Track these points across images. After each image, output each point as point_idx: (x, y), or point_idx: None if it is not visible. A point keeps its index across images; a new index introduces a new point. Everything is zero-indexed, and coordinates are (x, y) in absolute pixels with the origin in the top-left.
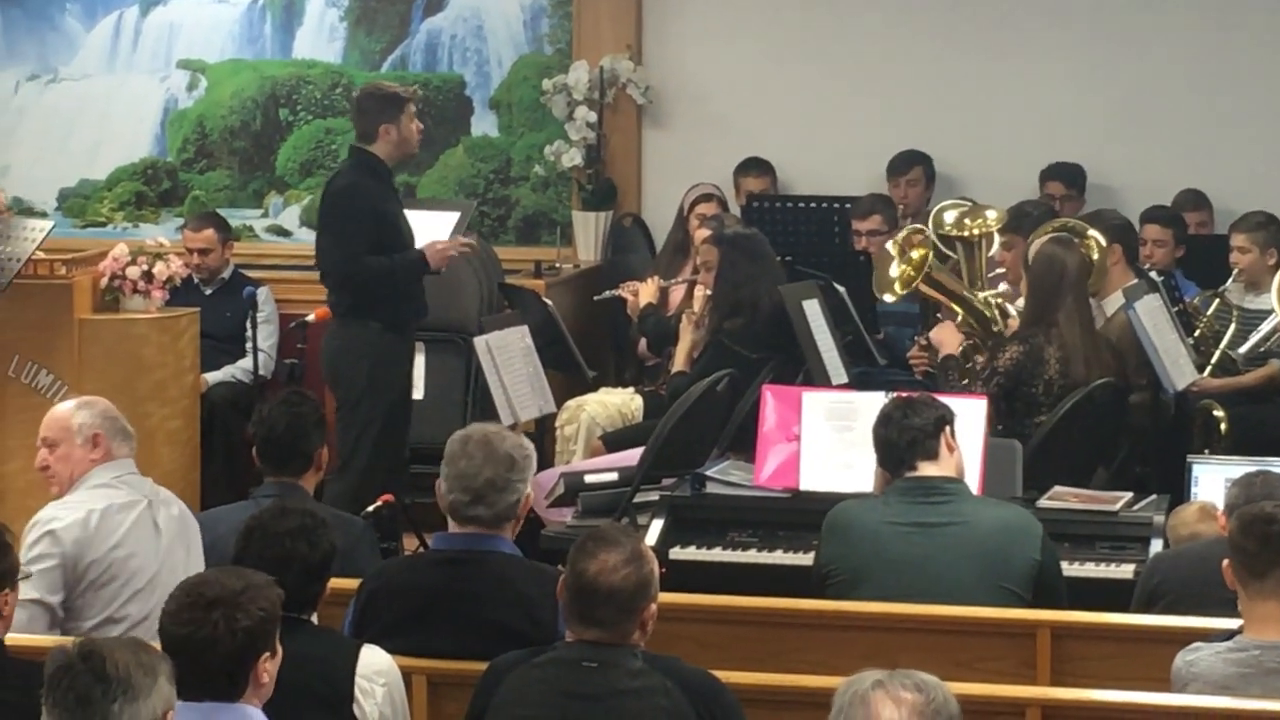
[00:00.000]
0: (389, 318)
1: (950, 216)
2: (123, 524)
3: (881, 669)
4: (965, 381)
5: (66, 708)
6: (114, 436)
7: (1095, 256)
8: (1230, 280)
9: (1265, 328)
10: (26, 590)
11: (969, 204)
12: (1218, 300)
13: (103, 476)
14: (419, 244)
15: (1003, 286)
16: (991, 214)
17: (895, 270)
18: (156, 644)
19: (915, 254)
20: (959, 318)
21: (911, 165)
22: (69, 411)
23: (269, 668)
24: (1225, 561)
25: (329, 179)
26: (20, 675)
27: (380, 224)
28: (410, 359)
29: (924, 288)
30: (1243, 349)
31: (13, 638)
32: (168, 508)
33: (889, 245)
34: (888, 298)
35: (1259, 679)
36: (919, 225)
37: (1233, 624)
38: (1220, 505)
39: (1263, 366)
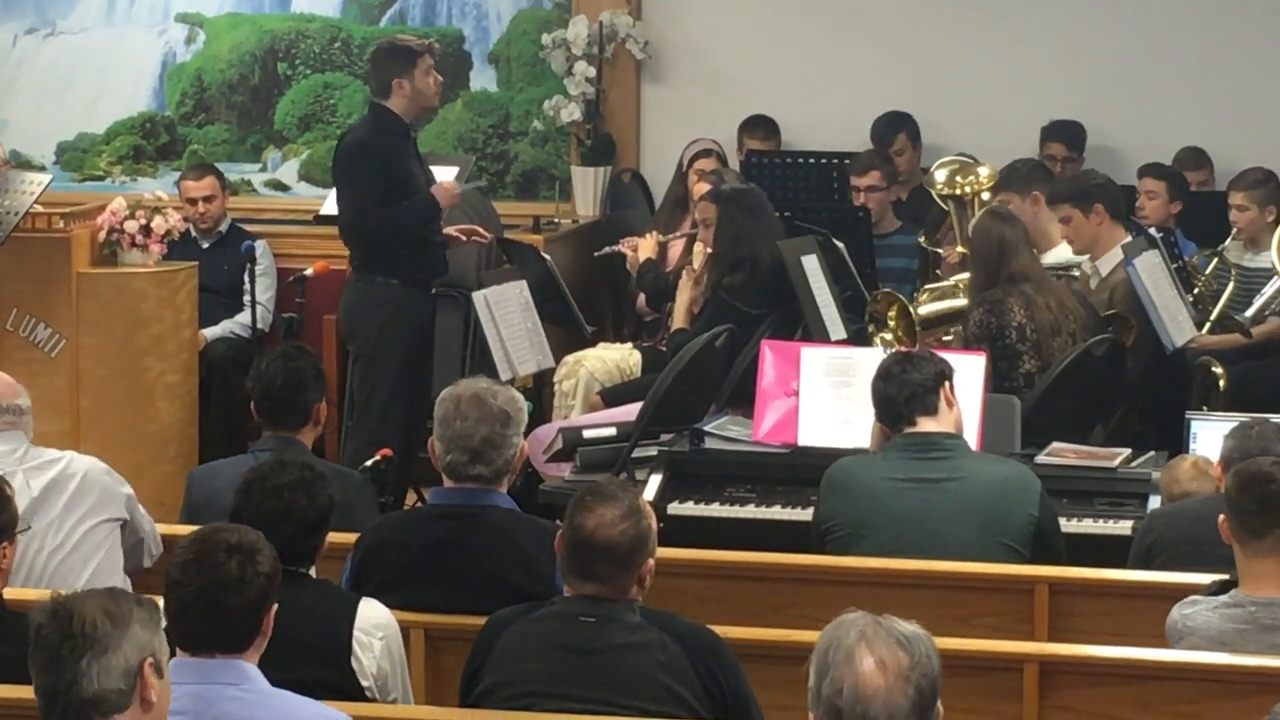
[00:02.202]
0: (406, 274)
1: (941, 175)
2: None
3: (861, 612)
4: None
5: (42, 667)
6: None
7: (983, 190)
8: (1229, 239)
9: (1269, 291)
10: None
11: (961, 161)
12: (1216, 259)
13: None
14: None
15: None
16: (983, 171)
17: (890, 339)
18: None
19: (891, 316)
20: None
21: (894, 133)
22: None
23: (271, 620)
24: (1221, 517)
25: (341, 135)
26: (19, 629)
27: (391, 178)
28: (429, 315)
29: (925, 330)
30: (1248, 313)
31: (11, 591)
32: (42, 474)
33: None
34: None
35: (1254, 635)
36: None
37: (1223, 575)
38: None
39: (1262, 324)
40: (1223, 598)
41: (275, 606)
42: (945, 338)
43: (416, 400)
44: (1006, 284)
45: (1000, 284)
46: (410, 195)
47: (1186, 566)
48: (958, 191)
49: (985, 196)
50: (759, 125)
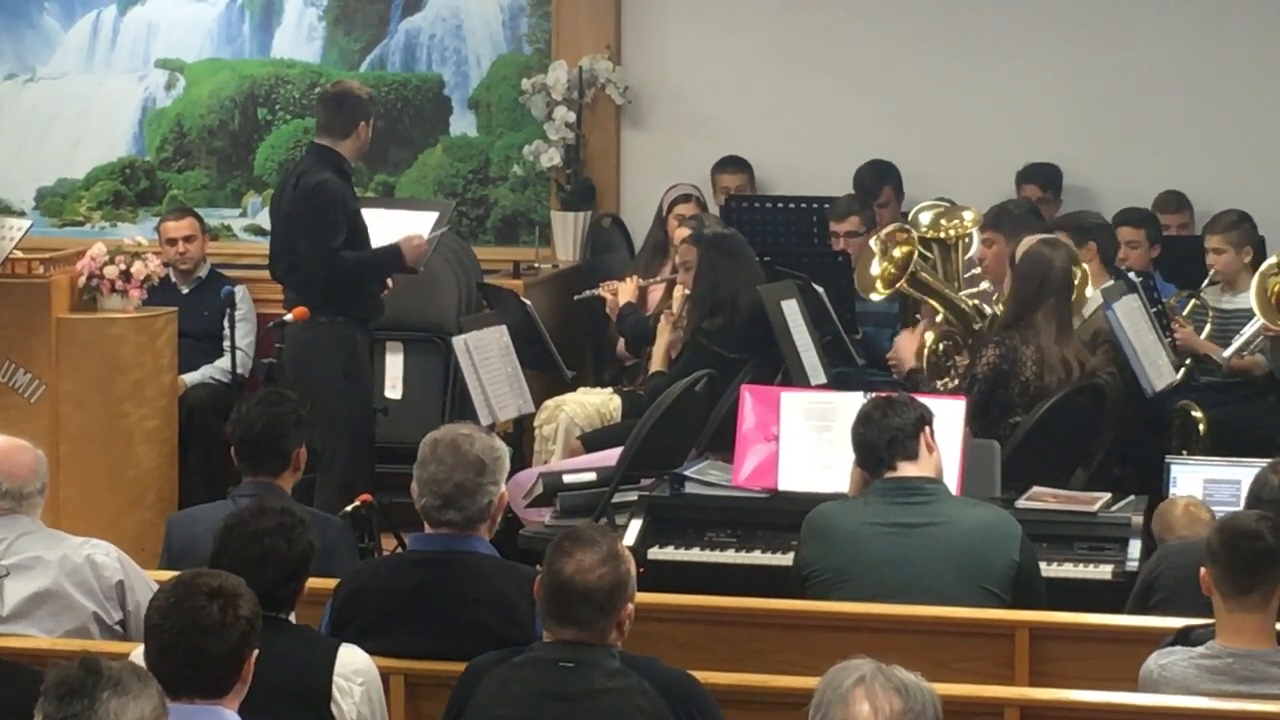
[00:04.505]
0: (356, 313)
1: (926, 218)
2: None
3: (867, 658)
4: (942, 381)
5: (57, 698)
6: None
7: (968, 233)
8: (1206, 282)
9: (1248, 331)
10: None
11: (945, 205)
12: (1194, 300)
13: None
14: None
15: (984, 285)
16: (968, 215)
17: (876, 268)
18: None
19: (898, 252)
20: (939, 316)
21: (880, 185)
22: None
23: (250, 667)
24: (1203, 570)
25: (296, 175)
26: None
27: (351, 221)
28: (371, 355)
29: (906, 287)
30: (1227, 352)
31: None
32: (21, 583)
33: (871, 242)
34: (874, 296)
35: (1232, 687)
36: (905, 225)
37: (1194, 620)
38: (1200, 500)
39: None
40: (1200, 649)
41: (256, 652)
42: (940, 382)
43: (373, 441)
44: (1026, 330)
45: (1033, 314)
46: (363, 238)
47: (1181, 608)
48: (942, 235)
49: (972, 238)
50: (730, 163)
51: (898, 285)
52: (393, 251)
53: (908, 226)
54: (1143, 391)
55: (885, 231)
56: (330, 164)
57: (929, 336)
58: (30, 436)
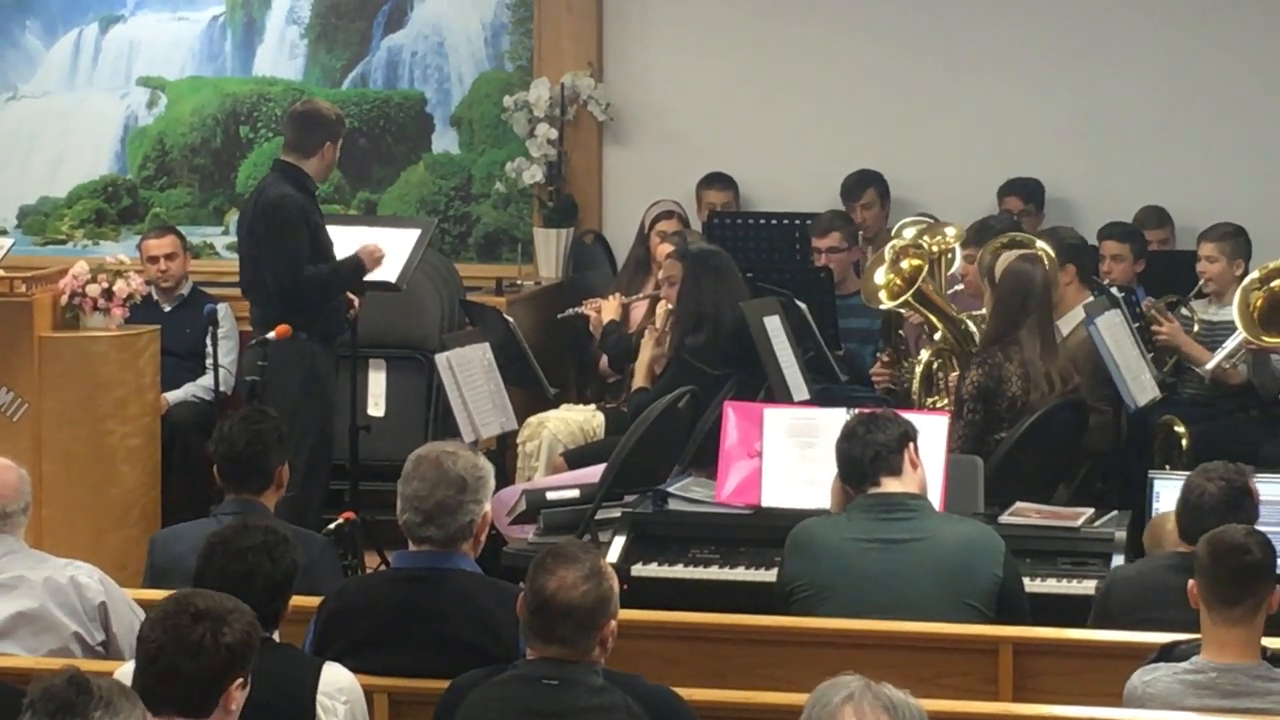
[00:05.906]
0: (319, 329)
1: (909, 234)
2: None
3: (855, 675)
4: (932, 400)
5: (47, 714)
6: None
7: (950, 249)
8: (1194, 292)
9: (1230, 344)
10: None
11: (928, 221)
12: (1182, 309)
13: None
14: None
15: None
16: (950, 230)
17: (882, 278)
18: None
19: (907, 264)
20: (938, 334)
21: (864, 188)
22: None
23: (238, 696)
24: (1191, 583)
25: (258, 191)
26: None
27: (314, 235)
28: (336, 372)
29: (911, 301)
30: (1209, 365)
31: None
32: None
33: (886, 249)
34: (881, 306)
35: (1216, 701)
36: (919, 241)
37: (1178, 636)
38: None
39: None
40: (1184, 664)
41: (243, 681)
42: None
43: (330, 458)
44: (1010, 346)
45: (1015, 330)
46: (327, 253)
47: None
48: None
49: (954, 254)
50: (715, 180)
51: (903, 298)
52: (352, 262)
53: (921, 243)
54: (1125, 408)
55: (900, 243)
56: (292, 180)
57: (924, 354)
58: (13, 455)
